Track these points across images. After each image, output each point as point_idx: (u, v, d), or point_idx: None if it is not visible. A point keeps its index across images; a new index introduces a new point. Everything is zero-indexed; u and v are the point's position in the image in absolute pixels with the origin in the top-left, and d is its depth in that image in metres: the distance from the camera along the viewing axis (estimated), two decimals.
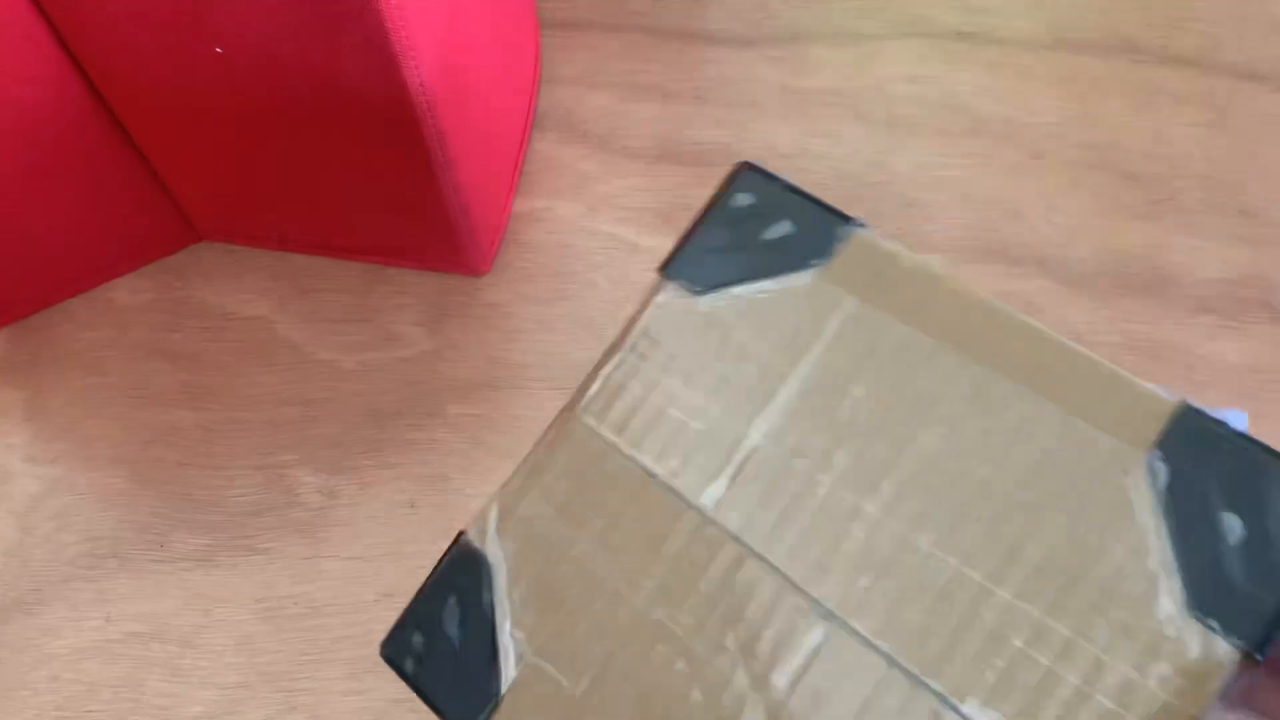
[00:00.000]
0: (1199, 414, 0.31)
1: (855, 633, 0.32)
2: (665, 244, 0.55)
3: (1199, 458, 0.30)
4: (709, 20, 0.63)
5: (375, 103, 0.43)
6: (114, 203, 0.52)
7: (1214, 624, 0.28)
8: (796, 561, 0.33)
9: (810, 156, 0.57)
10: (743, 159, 0.57)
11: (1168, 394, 0.32)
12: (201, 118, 0.47)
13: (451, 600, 0.35)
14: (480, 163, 0.52)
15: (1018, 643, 0.30)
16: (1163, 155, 0.57)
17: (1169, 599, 0.29)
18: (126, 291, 0.55)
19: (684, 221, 0.56)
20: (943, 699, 0.30)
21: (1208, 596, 0.29)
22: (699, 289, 0.37)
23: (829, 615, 0.32)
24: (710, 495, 0.35)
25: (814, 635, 0.32)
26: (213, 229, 0.56)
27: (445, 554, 0.36)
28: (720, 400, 0.36)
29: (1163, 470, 0.30)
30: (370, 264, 0.55)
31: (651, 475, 0.35)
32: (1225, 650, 0.28)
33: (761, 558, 0.33)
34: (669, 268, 0.38)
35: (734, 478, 0.35)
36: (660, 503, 0.35)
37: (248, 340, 0.53)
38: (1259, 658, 0.28)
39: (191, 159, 0.50)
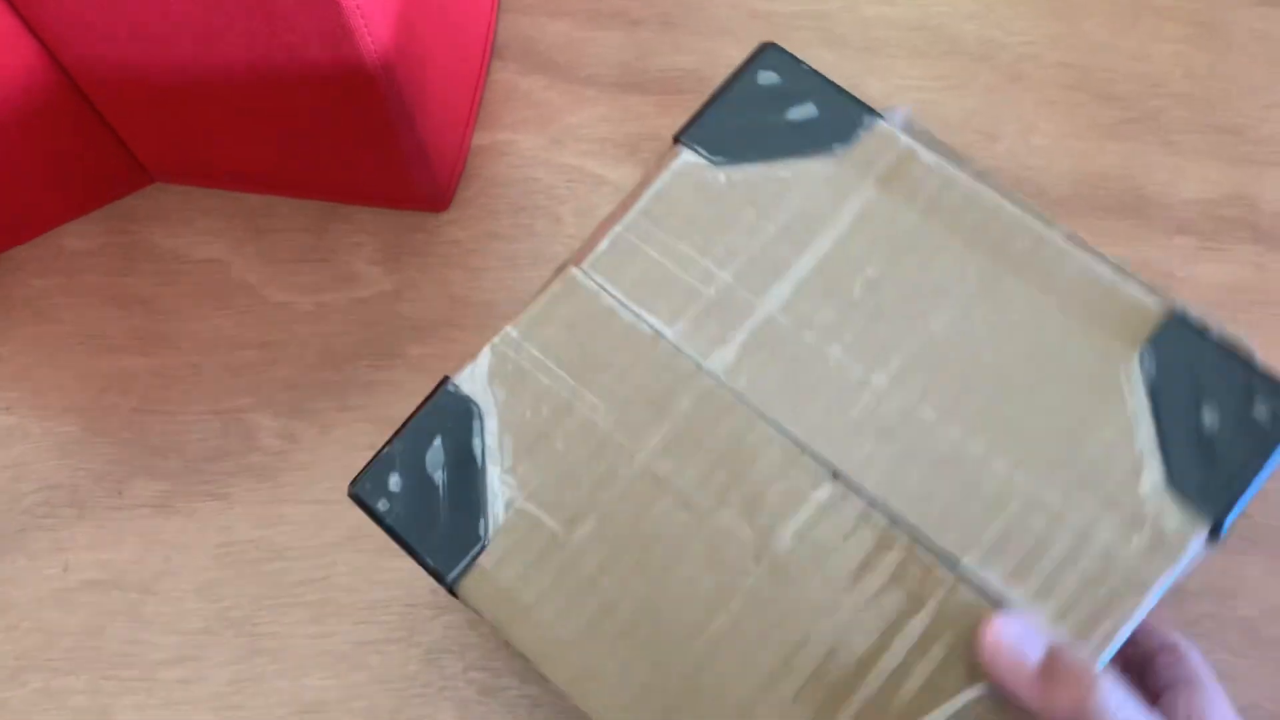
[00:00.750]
0: (1187, 319, 0.34)
1: (860, 491, 0.33)
2: (632, 175, 0.54)
3: (1185, 356, 0.33)
4: None
5: (314, 37, 0.41)
6: (61, 147, 0.50)
7: (1189, 500, 0.31)
8: (803, 424, 0.34)
9: None
10: (713, 86, 0.55)
11: (1161, 299, 0.34)
12: (149, 62, 0.45)
13: (436, 442, 0.35)
14: (437, 95, 0.50)
15: (1014, 508, 0.32)
16: (1143, 74, 0.55)
17: (1151, 476, 0.32)
18: (76, 237, 0.53)
19: (650, 152, 0.54)
20: (942, 556, 0.32)
21: (1185, 476, 0.32)
22: (719, 159, 0.37)
23: (835, 475, 0.33)
24: (720, 359, 0.35)
25: (820, 493, 0.33)
26: (164, 171, 0.54)
27: (428, 398, 0.35)
28: (734, 269, 0.36)
29: (1152, 365, 0.33)
30: (326, 202, 0.53)
31: (660, 335, 0.36)
32: (1196, 524, 0.31)
33: (769, 419, 0.34)
34: (687, 134, 0.38)
35: (745, 344, 0.35)
36: (668, 362, 0.35)
37: (202, 283, 0.52)
38: (1221, 534, 0.31)
39: (140, 103, 0.48)
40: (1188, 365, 0.33)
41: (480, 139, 0.54)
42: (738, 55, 0.57)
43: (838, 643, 0.32)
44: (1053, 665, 0.30)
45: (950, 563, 0.32)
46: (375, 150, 0.50)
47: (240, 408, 0.49)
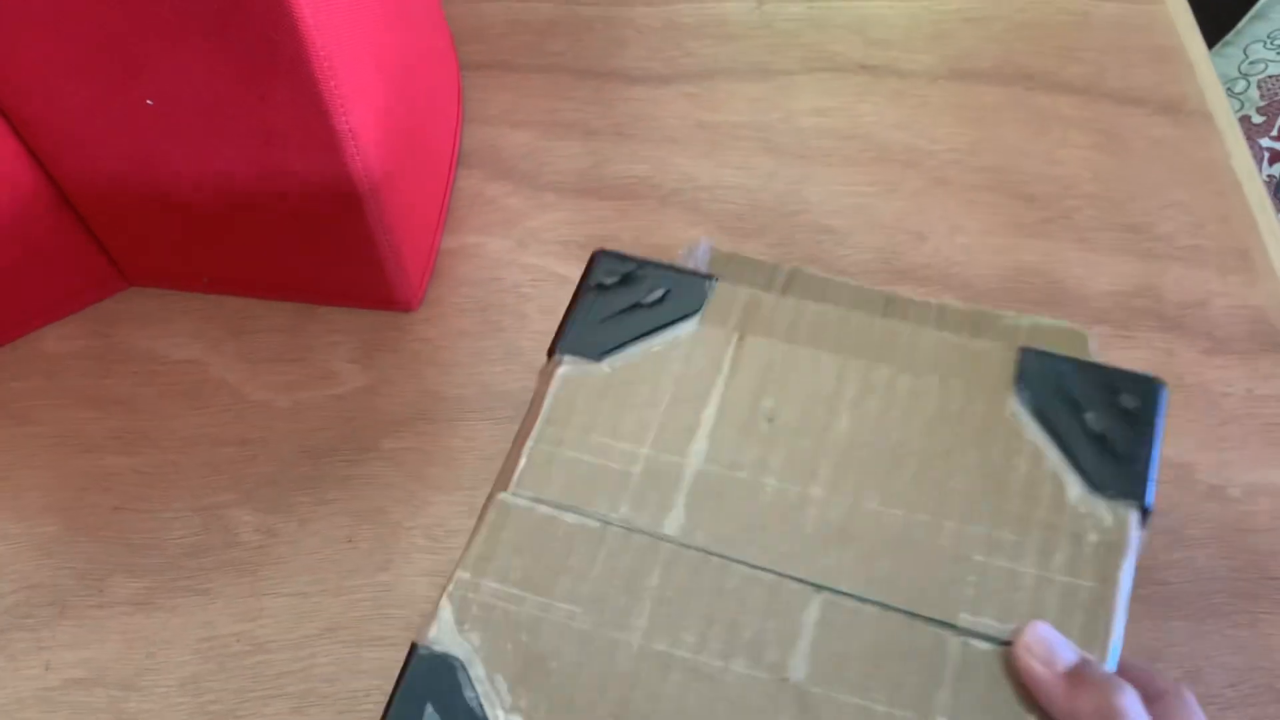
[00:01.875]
0: (1036, 352, 0.39)
1: (845, 594, 0.35)
2: None
3: (1051, 380, 0.38)
4: (627, 59, 0.65)
5: (307, 155, 0.44)
6: (40, 252, 0.52)
7: (1112, 494, 0.36)
8: (770, 555, 0.36)
9: (726, 188, 0.60)
10: (664, 191, 0.59)
11: (1007, 344, 0.39)
12: (140, 175, 0.48)
13: (428, 709, 0.34)
14: (410, 204, 0.53)
15: (979, 558, 0.35)
16: (1056, 176, 0.61)
17: (1074, 489, 0.36)
18: (55, 339, 0.55)
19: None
20: (939, 623, 0.34)
21: (1099, 478, 0.36)
22: (595, 356, 0.40)
23: (817, 589, 0.35)
24: (672, 523, 0.37)
25: (811, 610, 0.35)
26: (141, 274, 0.56)
27: (404, 668, 0.35)
28: (649, 442, 0.38)
29: (1029, 396, 0.38)
30: (302, 304, 0.56)
31: (606, 525, 0.37)
32: (1127, 511, 0.36)
33: (738, 561, 0.36)
34: (561, 344, 0.41)
35: (688, 503, 0.37)
36: (625, 545, 0.36)
37: (181, 383, 0.54)
38: (1149, 508, 0.36)
39: (125, 211, 0.51)
40: (1056, 387, 0.38)
41: (449, 242, 0.57)
42: (686, 162, 0.61)
43: None
44: (1080, 671, 0.32)
45: (949, 626, 0.34)
46: (353, 256, 0.52)
47: (220, 504, 0.51)
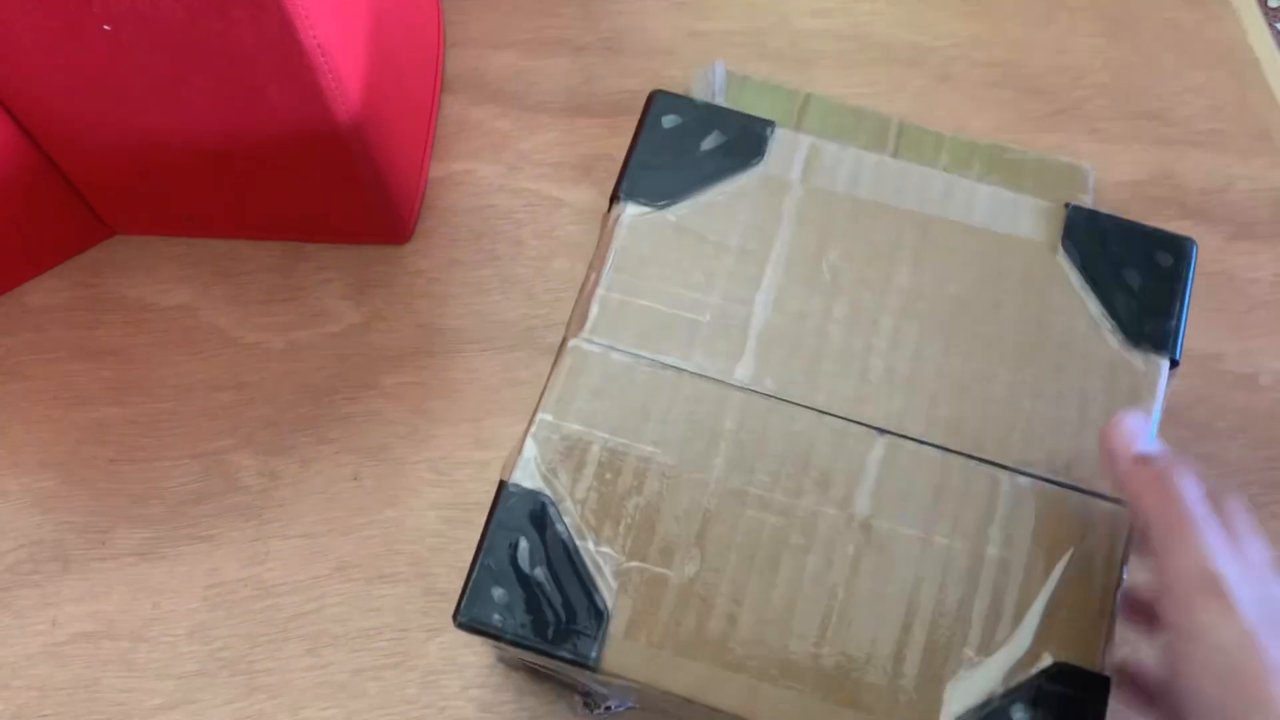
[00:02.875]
0: (1083, 210, 0.41)
1: (908, 438, 0.38)
2: (588, 196, 0.55)
3: (1095, 237, 0.40)
4: None
5: (280, 82, 0.42)
6: (20, 205, 0.51)
7: (1147, 345, 0.39)
8: (837, 400, 0.38)
9: None
10: None
11: (1054, 203, 0.41)
12: (116, 124, 0.46)
13: (521, 543, 0.36)
14: (395, 134, 0.51)
15: (1026, 405, 0.38)
16: (1064, 66, 0.58)
17: (1112, 338, 0.39)
18: (41, 293, 0.53)
19: (604, 172, 0.56)
20: (991, 464, 0.37)
21: (1134, 330, 0.39)
22: (661, 203, 0.41)
23: (881, 432, 0.38)
24: (743, 371, 0.39)
25: (876, 451, 0.37)
26: (124, 222, 0.54)
27: (494, 506, 0.37)
28: (716, 292, 0.40)
29: (1075, 252, 0.40)
30: (290, 242, 0.54)
31: (682, 370, 0.39)
32: (1158, 361, 0.39)
33: (807, 406, 0.38)
34: (623, 189, 0.41)
35: (757, 351, 0.39)
36: (700, 391, 0.38)
37: (171, 330, 0.52)
38: (1177, 359, 0.39)
39: (104, 160, 0.49)
40: (1099, 244, 0.40)
41: (437, 171, 0.56)
42: (680, 74, 0.59)
43: (944, 571, 0.36)
44: (1152, 454, 0.35)
45: (1000, 466, 0.37)
46: (339, 191, 0.51)
47: (220, 449, 0.50)
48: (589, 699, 0.43)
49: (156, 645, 0.46)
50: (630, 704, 0.44)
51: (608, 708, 0.43)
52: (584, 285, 0.40)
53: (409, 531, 0.48)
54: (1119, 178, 0.55)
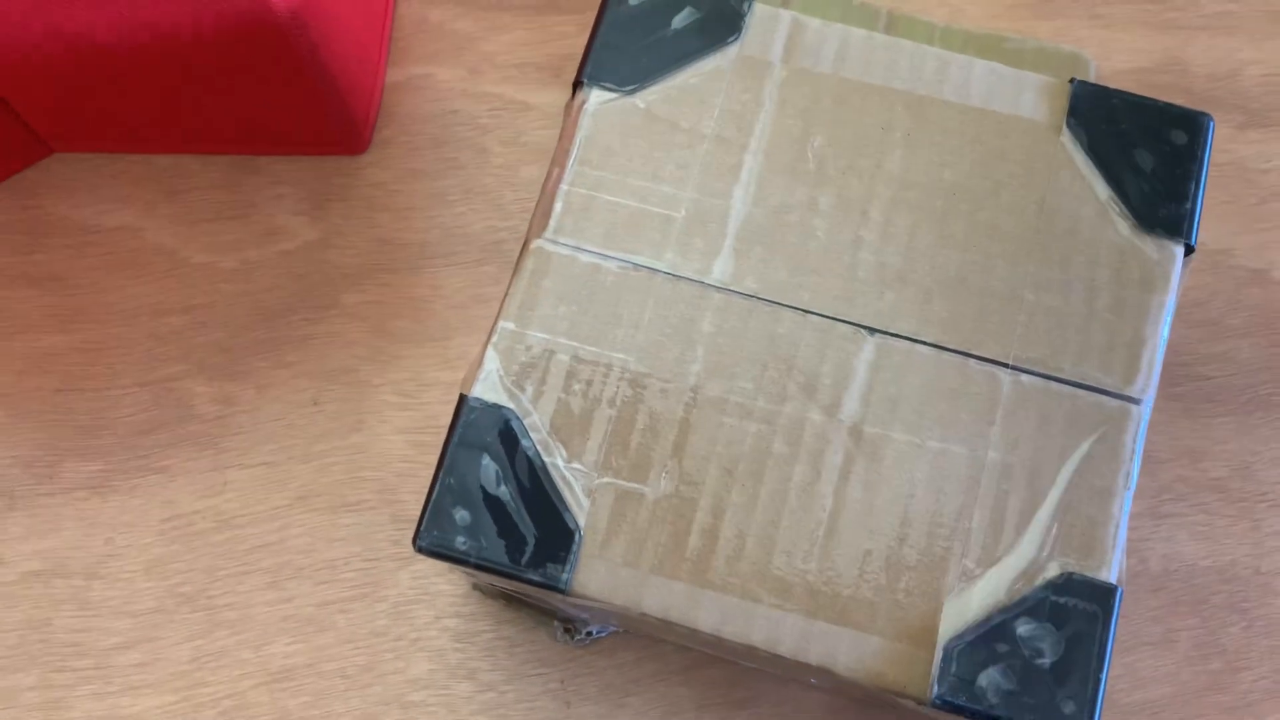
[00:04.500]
0: (1089, 85, 0.37)
1: (899, 336, 0.35)
2: (557, 98, 0.52)
3: (1102, 115, 0.37)
4: None
5: None
6: None
7: (1160, 231, 0.36)
8: (823, 298, 0.35)
9: None
10: None
11: (1056, 78, 0.38)
12: (42, 30, 0.42)
13: (484, 461, 0.33)
14: (346, 34, 0.48)
15: (1029, 298, 0.35)
16: None
17: (1121, 225, 0.36)
18: None
19: (574, 74, 0.52)
20: (991, 362, 0.35)
21: (1146, 214, 0.36)
22: (628, 87, 0.37)
23: (871, 331, 0.35)
24: (720, 270, 0.35)
25: (865, 352, 0.35)
26: (62, 139, 0.51)
27: (454, 422, 0.34)
28: (691, 184, 0.36)
29: (1081, 131, 0.37)
30: (239, 156, 0.51)
31: (654, 271, 0.35)
32: (1173, 248, 0.36)
33: (790, 306, 0.35)
34: (586, 73, 0.38)
35: (735, 248, 0.36)
36: (674, 293, 0.35)
37: (116, 252, 0.49)
38: (1193, 245, 0.36)
39: (33, 71, 0.45)
40: (1107, 121, 0.37)
41: (394, 75, 0.52)
42: None
43: (941, 479, 0.33)
44: None
45: (999, 364, 0.35)
46: (287, 98, 0.47)
47: (171, 376, 0.47)
48: (569, 625, 0.41)
49: (112, 582, 0.44)
50: (613, 627, 0.42)
51: (589, 633, 0.41)
52: (546, 181, 0.37)
53: (375, 457, 0.46)
54: (1121, 65, 0.52)
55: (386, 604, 0.44)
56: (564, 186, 0.36)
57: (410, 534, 0.44)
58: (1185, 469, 0.45)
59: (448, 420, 0.45)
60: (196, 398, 0.46)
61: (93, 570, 0.44)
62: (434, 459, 0.45)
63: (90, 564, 0.44)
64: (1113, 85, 0.51)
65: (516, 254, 0.49)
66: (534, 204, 0.50)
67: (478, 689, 0.43)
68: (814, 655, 0.32)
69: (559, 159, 0.37)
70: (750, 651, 0.32)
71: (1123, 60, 0.52)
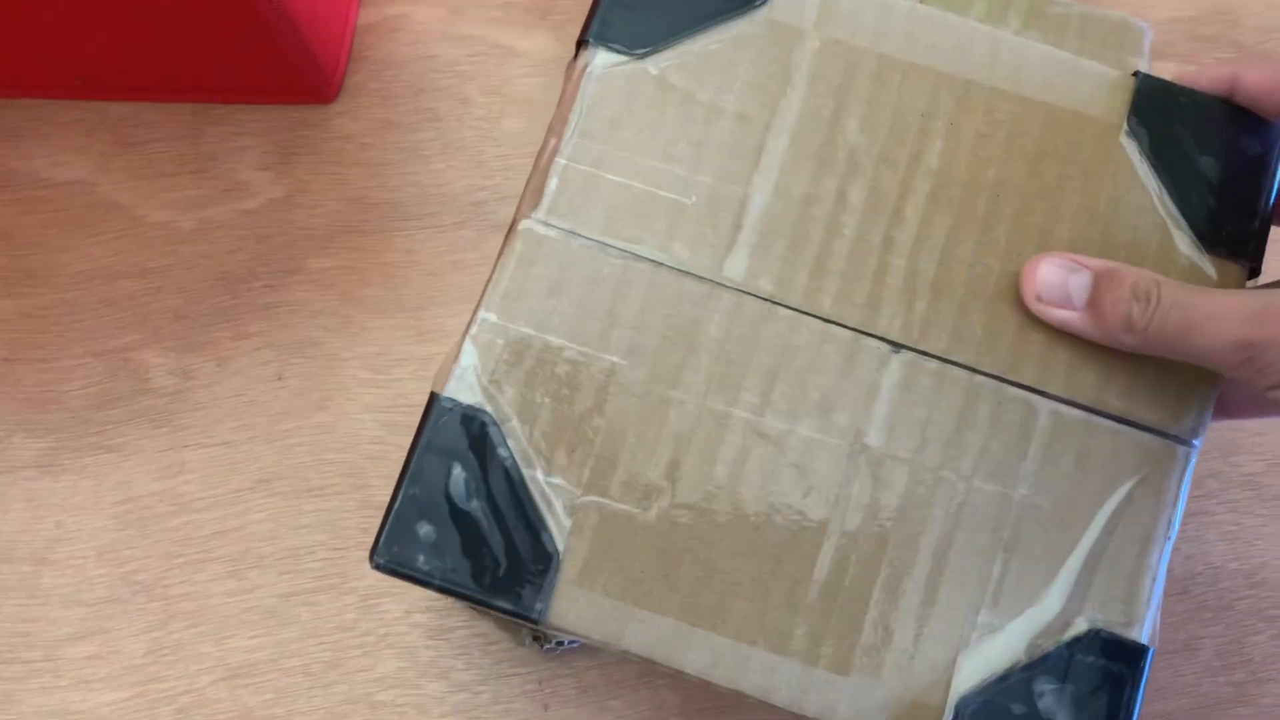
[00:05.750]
0: (1155, 80, 0.33)
1: (930, 355, 0.31)
2: (546, 43, 0.47)
3: (1167, 115, 0.33)
4: None
5: None
6: None
7: (1222, 250, 0.32)
8: (846, 306, 0.31)
9: None
10: None
11: (1120, 71, 0.33)
12: None
13: (455, 470, 0.30)
14: None
15: None
16: None
17: (1182, 239, 0.32)
18: None
19: (565, 14, 0.48)
20: (1028, 389, 0.31)
21: (1209, 232, 0.32)
22: (640, 50, 0.33)
23: (897, 348, 0.31)
24: (733, 268, 0.31)
25: (890, 371, 0.31)
26: (10, 83, 0.47)
27: (423, 423, 0.30)
28: (707, 167, 0.32)
29: (1143, 133, 0.33)
30: (199, 104, 0.47)
31: (659, 265, 0.31)
32: (1236, 270, 0.32)
33: (809, 313, 0.31)
34: (593, 32, 0.33)
35: (753, 244, 0.32)
36: (680, 291, 0.31)
37: (67, 208, 0.45)
38: (1259, 269, 0.32)
39: None
40: (1173, 123, 0.33)
41: (366, 16, 0.48)
42: None
43: (963, 517, 0.30)
44: (1095, 301, 0.30)
45: (1038, 393, 0.31)
46: (249, 40, 0.43)
47: (125, 346, 0.44)
48: (537, 634, 0.38)
49: (62, 569, 0.41)
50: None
51: (559, 643, 0.38)
52: (540, 153, 0.33)
53: (342, 438, 0.42)
54: (1165, 14, 0.47)
55: (354, 596, 0.41)
56: (560, 161, 0.32)
57: (381, 520, 0.41)
58: (1216, 463, 0.42)
59: (421, 398, 0.42)
60: (152, 370, 0.43)
61: (41, 555, 0.41)
62: (406, 440, 0.42)
63: (39, 548, 0.41)
64: (1156, 36, 0.47)
65: (498, 216, 0.45)
66: (517, 161, 0.46)
67: (450, 689, 0.40)
68: (811, 706, 0.29)
69: (556, 128, 0.32)
70: (741, 698, 0.29)
71: (1168, 7, 0.47)
